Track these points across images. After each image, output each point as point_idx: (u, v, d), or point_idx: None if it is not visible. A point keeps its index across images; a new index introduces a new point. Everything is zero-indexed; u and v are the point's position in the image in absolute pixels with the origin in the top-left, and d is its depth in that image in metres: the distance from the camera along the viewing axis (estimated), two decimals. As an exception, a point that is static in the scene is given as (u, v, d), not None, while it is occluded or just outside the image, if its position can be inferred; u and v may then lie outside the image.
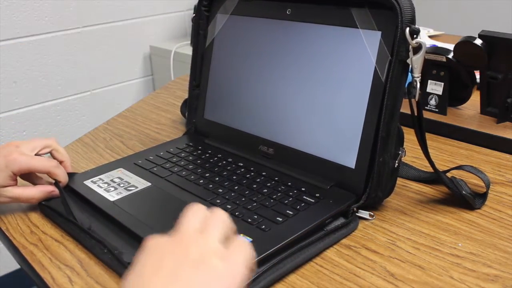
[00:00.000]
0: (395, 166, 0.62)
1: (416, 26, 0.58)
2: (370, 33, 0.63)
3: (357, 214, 0.62)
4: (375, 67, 0.62)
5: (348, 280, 0.52)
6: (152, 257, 0.39)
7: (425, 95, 0.91)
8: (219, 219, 0.42)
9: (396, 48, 0.59)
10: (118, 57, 1.91)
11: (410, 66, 0.59)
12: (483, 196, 0.65)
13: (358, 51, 0.64)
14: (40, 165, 0.66)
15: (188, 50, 1.90)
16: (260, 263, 0.51)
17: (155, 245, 0.40)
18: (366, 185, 0.62)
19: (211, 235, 0.40)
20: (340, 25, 0.66)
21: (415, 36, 0.57)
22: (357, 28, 0.64)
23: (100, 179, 0.70)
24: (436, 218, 0.63)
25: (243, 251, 0.39)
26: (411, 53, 0.58)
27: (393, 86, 0.60)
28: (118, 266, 0.54)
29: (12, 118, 1.67)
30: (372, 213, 0.63)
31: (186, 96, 1.00)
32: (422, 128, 0.62)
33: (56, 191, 0.67)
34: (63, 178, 0.68)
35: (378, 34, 0.62)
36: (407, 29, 0.57)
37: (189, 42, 1.96)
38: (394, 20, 0.59)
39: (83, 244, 0.59)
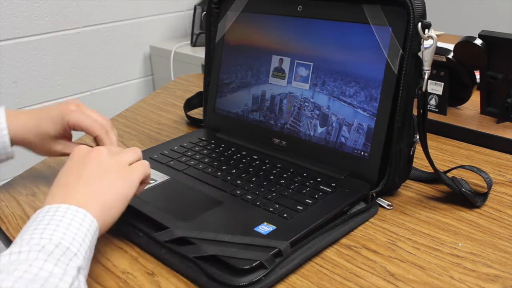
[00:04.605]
0: (411, 153, 0.66)
1: (428, 20, 0.61)
2: (381, 28, 0.65)
3: (376, 201, 0.65)
4: (387, 60, 0.64)
5: (348, 280, 0.52)
6: (75, 168, 0.55)
7: (425, 95, 0.91)
8: (133, 150, 0.59)
9: (409, 42, 0.61)
10: (118, 57, 1.91)
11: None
12: (484, 195, 0.66)
13: (370, 46, 0.66)
14: (90, 127, 0.68)
15: (188, 50, 1.90)
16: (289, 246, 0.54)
17: (78, 156, 0.56)
18: (380, 173, 0.65)
19: (122, 155, 0.58)
20: (351, 21, 0.68)
21: (427, 30, 0.60)
22: (369, 24, 0.66)
23: None
24: (436, 218, 0.63)
25: (141, 169, 0.57)
26: (422, 46, 0.61)
27: (407, 78, 0.62)
28: (156, 247, 0.56)
29: (12, 118, 1.67)
30: (391, 203, 0.65)
31: (186, 96, 1.00)
32: (425, 120, 0.64)
33: None
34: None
35: (389, 30, 0.64)
36: (419, 24, 0.60)
37: (189, 42, 1.96)
38: (404, 15, 0.62)
39: (116, 230, 0.60)
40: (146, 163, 0.59)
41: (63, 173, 0.55)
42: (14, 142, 0.68)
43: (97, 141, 0.70)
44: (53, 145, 0.70)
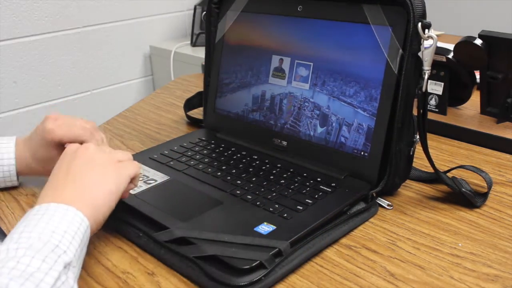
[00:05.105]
0: (411, 153, 0.66)
1: (428, 20, 0.61)
2: (381, 28, 0.65)
3: (376, 200, 0.65)
4: (387, 60, 0.64)
5: (348, 280, 0.52)
6: (64, 165, 0.55)
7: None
8: (124, 152, 0.60)
9: (409, 42, 0.61)
10: (118, 57, 1.91)
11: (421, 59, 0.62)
12: (484, 195, 0.66)
13: (369, 46, 0.66)
14: (73, 136, 0.66)
15: (188, 50, 1.90)
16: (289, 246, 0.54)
17: (68, 154, 0.57)
18: (380, 173, 0.65)
19: (112, 153, 0.58)
20: (351, 21, 0.68)
21: (427, 30, 0.60)
22: (369, 24, 0.66)
23: None
24: (436, 218, 0.63)
25: (131, 166, 0.57)
26: (422, 46, 0.61)
27: (407, 78, 0.62)
28: (155, 247, 0.56)
29: (12, 118, 1.67)
30: (391, 203, 0.65)
31: (186, 96, 1.00)
32: (425, 120, 0.64)
33: None
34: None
35: (389, 29, 0.64)
36: (419, 24, 0.60)
37: (189, 42, 1.96)
38: (404, 15, 0.62)
39: (116, 230, 0.61)
40: (137, 163, 0.59)
41: (53, 173, 0.55)
42: (20, 173, 0.70)
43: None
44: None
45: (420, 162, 0.72)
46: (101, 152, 0.57)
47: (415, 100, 0.64)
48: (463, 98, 0.92)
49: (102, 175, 0.54)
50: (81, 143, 0.66)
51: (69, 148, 0.58)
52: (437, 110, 0.91)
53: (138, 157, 0.76)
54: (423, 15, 0.61)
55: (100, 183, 0.54)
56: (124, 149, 0.86)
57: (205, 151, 0.77)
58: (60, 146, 0.67)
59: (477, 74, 0.89)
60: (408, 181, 0.70)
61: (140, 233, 0.59)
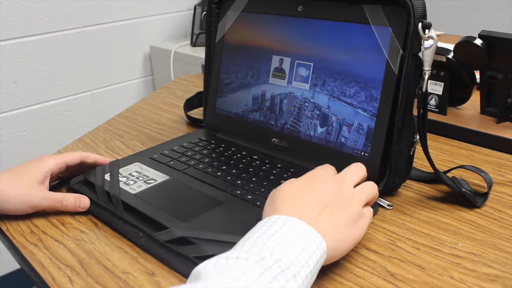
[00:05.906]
0: (411, 153, 0.66)
1: (428, 20, 0.61)
2: (381, 28, 0.65)
3: (376, 201, 0.65)
4: (387, 61, 0.64)
5: (348, 280, 0.52)
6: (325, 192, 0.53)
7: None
8: (369, 186, 0.56)
9: (409, 42, 0.61)
10: (118, 57, 1.91)
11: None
12: (484, 195, 0.66)
13: (370, 46, 0.66)
14: (72, 154, 0.71)
15: (188, 50, 1.90)
16: None
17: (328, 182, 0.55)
18: (380, 173, 0.65)
19: (360, 195, 0.54)
20: (351, 21, 0.68)
21: (427, 30, 0.60)
22: (369, 24, 0.66)
23: (119, 173, 0.71)
24: (436, 218, 0.63)
25: (370, 217, 0.55)
26: (423, 47, 0.61)
27: (407, 78, 0.62)
28: (156, 247, 0.56)
29: (12, 118, 1.67)
30: (391, 203, 0.65)
31: (186, 96, 1.00)
32: (425, 120, 0.64)
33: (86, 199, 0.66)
34: (100, 157, 0.73)
35: (389, 30, 0.64)
36: (420, 24, 0.60)
37: (189, 42, 1.96)
38: (405, 16, 0.62)
39: (116, 230, 0.61)
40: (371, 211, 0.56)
41: (305, 190, 0.53)
42: None
43: (86, 161, 0.72)
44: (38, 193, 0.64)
45: (420, 162, 0.72)
46: (354, 200, 0.54)
47: (415, 100, 0.64)
48: (463, 98, 0.92)
49: (353, 228, 0.52)
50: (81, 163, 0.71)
51: (326, 172, 0.56)
52: (437, 110, 0.91)
53: (139, 157, 0.76)
54: (424, 15, 0.61)
55: (350, 234, 0.52)
56: (124, 149, 0.86)
57: (205, 151, 0.77)
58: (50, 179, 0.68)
59: (477, 74, 0.89)
60: (408, 181, 0.70)
61: (140, 233, 0.59)
